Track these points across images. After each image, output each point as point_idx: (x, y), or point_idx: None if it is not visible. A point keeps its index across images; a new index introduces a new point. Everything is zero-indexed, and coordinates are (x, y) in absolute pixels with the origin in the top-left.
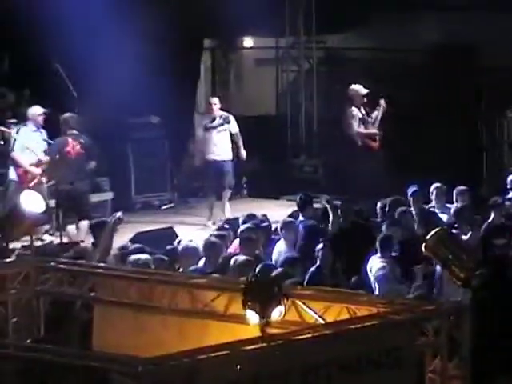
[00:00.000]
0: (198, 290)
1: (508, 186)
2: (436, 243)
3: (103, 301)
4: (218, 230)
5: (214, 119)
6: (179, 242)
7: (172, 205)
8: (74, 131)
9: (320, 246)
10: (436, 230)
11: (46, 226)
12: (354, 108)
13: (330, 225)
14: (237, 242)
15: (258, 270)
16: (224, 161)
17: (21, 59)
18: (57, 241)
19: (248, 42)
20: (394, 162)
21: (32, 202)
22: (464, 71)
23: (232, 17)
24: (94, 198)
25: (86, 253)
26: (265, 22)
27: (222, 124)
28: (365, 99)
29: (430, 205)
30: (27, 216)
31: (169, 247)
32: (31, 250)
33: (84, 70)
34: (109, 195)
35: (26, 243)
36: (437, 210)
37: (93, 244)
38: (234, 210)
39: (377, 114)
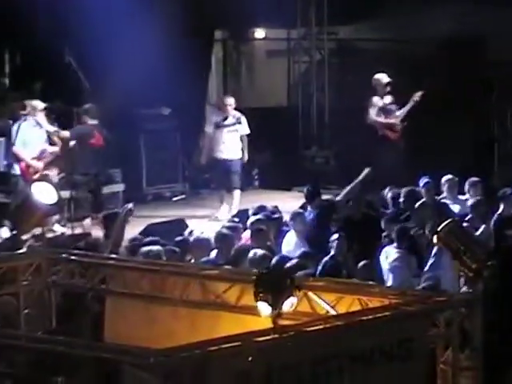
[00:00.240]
0: (209, 282)
1: None
2: (448, 234)
3: (115, 292)
4: (229, 221)
5: (226, 118)
6: (190, 233)
7: (183, 196)
8: (95, 121)
9: (335, 236)
10: (448, 221)
11: (56, 217)
12: (375, 97)
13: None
14: (247, 233)
15: (272, 262)
16: (232, 160)
17: (33, 52)
18: (68, 232)
19: (259, 33)
20: (406, 154)
21: (44, 193)
22: (475, 63)
23: (243, 8)
24: (106, 189)
25: (98, 244)
26: (276, 13)
27: (233, 124)
28: (388, 88)
29: (441, 196)
30: (39, 207)
31: (179, 238)
32: (43, 241)
33: (96, 63)
34: (120, 187)
35: (37, 234)
36: (448, 202)
37: (104, 235)
38: (245, 201)
39: (406, 107)
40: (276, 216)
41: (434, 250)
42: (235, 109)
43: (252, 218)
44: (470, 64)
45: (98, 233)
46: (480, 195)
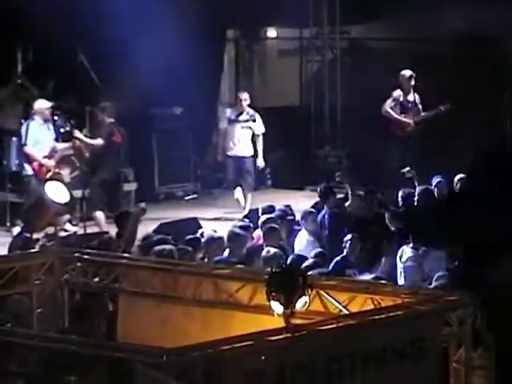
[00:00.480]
0: (222, 281)
1: None
2: None
3: (127, 291)
4: (241, 220)
5: (240, 113)
6: (202, 232)
7: (195, 195)
8: (112, 119)
9: (348, 236)
10: None
11: (68, 216)
12: (398, 90)
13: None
14: (258, 232)
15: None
16: (245, 157)
17: (45, 51)
18: (81, 231)
19: (272, 32)
20: (418, 152)
21: (57, 193)
22: (487, 61)
23: (256, 7)
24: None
25: (111, 243)
26: (289, 12)
27: (247, 120)
28: (411, 81)
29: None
30: (51, 206)
31: (190, 236)
32: (55, 240)
33: (108, 62)
34: (133, 186)
35: (49, 233)
36: None
37: (117, 234)
38: (258, 200)
39: (429, 113)
40: (288, 215)
41: None
42: (250, 106)
43: (263, 217)
44: (483, 63)
45: (110, 232)
46: None
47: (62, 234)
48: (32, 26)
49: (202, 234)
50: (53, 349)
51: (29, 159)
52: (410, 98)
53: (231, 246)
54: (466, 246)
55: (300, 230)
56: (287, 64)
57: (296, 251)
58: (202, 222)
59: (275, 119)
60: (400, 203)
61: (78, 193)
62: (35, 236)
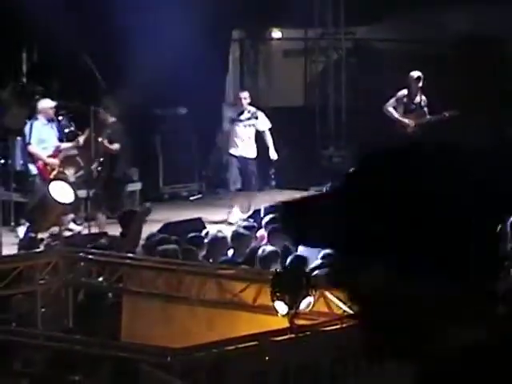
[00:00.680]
0: (226, 281)
1: None
2: None
3: (131, 291)
4: (245, 220)
5: (241, 112)
6: (207, 232)
7: (200, 195)
8: (114, 119)
9: None
10: None
11: (72, 215)
12: (404, 90)
13: None
14: (261, 232)
15: (288, 261)
16: (248, 158)
17: (50, 51)
18: (85, 231)
19: (277, 33)
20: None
21: (61, 192)
22: (490, 62)
23: (261, 8)
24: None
25: (115, 243)
26: (294, 12)
27: (249, 118)
28: (419, 83)
29: None
30: (56, 206)
31: (192, 235)
32: (60, 240)
33: (112, 62)
34: (137, 186)
35: (54, 233)
36: None
37: (121, 234)
38: (262, 201)
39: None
40: None
41: None
42: (251, 105)
43: (267, 218)
44: (486, 64)
45: (114, 232)
46: None
47: (67, 233)
48: (36, 26)
49: (206, 234)
50: (57, 348)
51: (33, 158)
52: (416, 99)
53: (235, 246)
54: (336, 246)
55: None
56: (292, 64)
57: (300, 252)
58: (206, 222)
59: (280, 119)
60: None
61: (82, 193)
62: (40, 236)
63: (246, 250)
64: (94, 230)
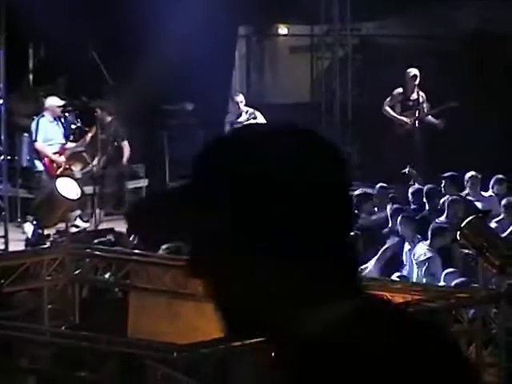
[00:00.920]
0: None
1: None
2: (471, 231)
3: (138, 287)
4: None
5: (239, 115)
6: None
7: None
8: (112, 117)
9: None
10: (471, 217)
11: (78, 212)
12: (399, 88)
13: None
14: None
15: None
16: None
17: (56, 47)
18: (91, 227)
19: (283, 29)
20: (428, 149)
21: (68, 189)
22: (501, 58)
23: (267, 4)
24: (130, 184)
25: (122, 239)
26: (300, 9)
27: (247, 120)
28: (414, 81)
29: (464, 193)
30: (63, 202)
31: None
32: (66, 236)
33: (119, 58)
34: (144, 182)
35: (60, 229)
36: (472, 199)
37: (127, 231)
38: None
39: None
40: None
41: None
42: (249, 106)
43: None
44: (496, 60)
45: (121, 228)
46: (505, 193)
47: (73, 230)
48: (43, 22)
49: None
50: (64, 345)
51: (39, 155)
52: (413, 96)
53: None
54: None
55: None
56: (298, 61)
57: None
58: None
59: (285, 116)
60: (410, 200)
61: (88, 189)
62: (46, 232)
63: None
64: (102, 225)
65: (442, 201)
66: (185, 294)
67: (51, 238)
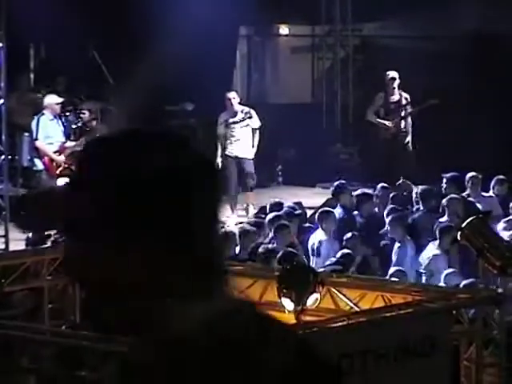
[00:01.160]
0: (233, 277)
1: None
2: (472, 231)
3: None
4: (254, 217)
5: (235, 114)
6: None
7: None
8: (96, 122)
9: (349, 235)
10: (472, 218)
11: None
12: (380, 93)
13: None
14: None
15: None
16: (246, 159)
17: (57, 47)
18: None
19: (284, 29)
20: (428, 150)
21: None
22: (501, 58)
23: (268, 4)
24: None
25: None
26: (301, 9)
27: (243, 119)
28: (393, 84)
29: (464, 193)
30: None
31: None
32: None
33: (120, 58)
34: None
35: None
36: (472, 199)
37: None
38: (269, 197)
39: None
40: (297, 212)
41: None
42: (243, 104)
43: (270, 215)
44: (496, 60)
45: None
46: (505, 193)
47: None
48: (44, 22)
49: None
50: (64, 344)
51: (40, 154)
52: (393, 98)
53: (241, 243)
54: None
55: (311, 227)
56: (299, 61)
57: (311, 250)
58: None
59: (287, 116)
60: (414, 201)
61: None
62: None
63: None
64: None
65: (443, 201)
66: None
67: (52, 238)
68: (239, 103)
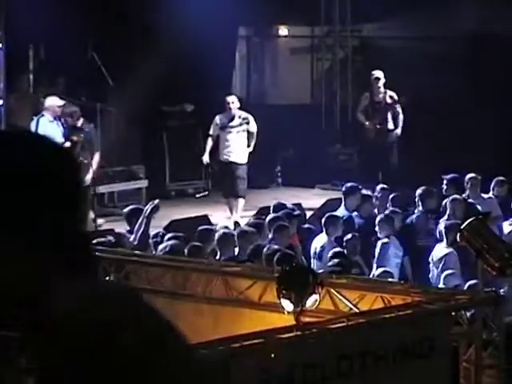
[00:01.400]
0: (232, 278)
1: None
2: (471, 232)
3: (137, 288)
4: (255, 218)
5: (232, 118)
6: (214, 229)
7: (206, 193)
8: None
9: (348, 236)
10: (471, 219)
11: None
12: (365, 93)
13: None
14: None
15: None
16: (239, 164)
17: (56, 47)
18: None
19: (283, 30)
20: (428, 151)
21: None
22: (500, 59)
23: (268, 5)
24: (129, 185)
25: (122, 240)
26: (300, 10)
27: (241, 124)
28: (379, 83)
29: (464, 195)
30: None
31: (202, 228)
32: None
33: (120, 59)
34: (143, 183)
35: None
36: (472, 201)
37: (128, 231)
38: (268, 198)
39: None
40: (297, 213)
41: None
42: (241, 109)
43: (270, 216)
44: (496, 60)
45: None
46: (505, 194)
47: None
48: (43, 23)
49: (214, 231)
50: None
51: None
52: (378, 98)
53: (240, 244)
54: None
55: (310, 229)
56: (298, 62)
57: (313, 253)
58: (212, 220)
59: (286, 117)
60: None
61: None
62: None
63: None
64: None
65: (446, 202)
66: (184, 294)
67: None
68: (238, 108)
